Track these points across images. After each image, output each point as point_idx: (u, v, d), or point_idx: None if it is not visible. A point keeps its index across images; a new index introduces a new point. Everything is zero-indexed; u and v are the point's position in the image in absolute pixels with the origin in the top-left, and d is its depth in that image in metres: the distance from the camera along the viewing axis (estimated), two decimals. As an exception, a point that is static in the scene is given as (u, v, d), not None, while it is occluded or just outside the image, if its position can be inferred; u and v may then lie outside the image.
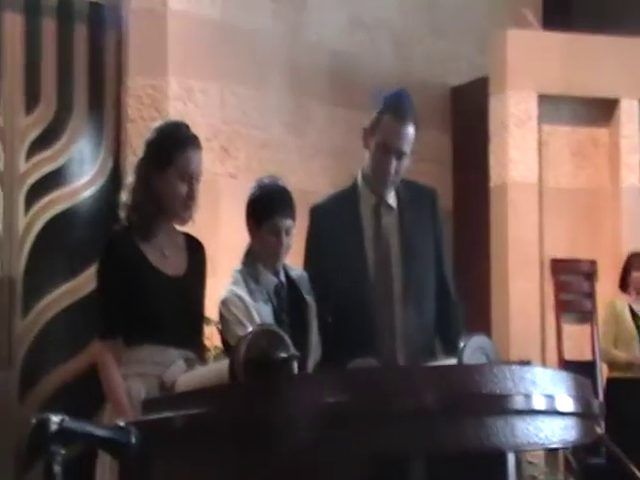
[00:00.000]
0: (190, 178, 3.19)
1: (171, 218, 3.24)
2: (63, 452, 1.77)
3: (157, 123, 3.34)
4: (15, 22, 5.60)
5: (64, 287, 5.45)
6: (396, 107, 3.49)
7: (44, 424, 1.73)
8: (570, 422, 2.65)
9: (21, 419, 5.20)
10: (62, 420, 1.74)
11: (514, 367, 2.59)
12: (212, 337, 4.94)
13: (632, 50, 7.04)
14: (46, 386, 5.35)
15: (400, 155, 3.46)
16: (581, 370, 4.53)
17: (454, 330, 3.43)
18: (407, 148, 3.47)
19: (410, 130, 3.47)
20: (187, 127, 3.28)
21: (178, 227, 3.35)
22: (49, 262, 5.44)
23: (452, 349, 2.96)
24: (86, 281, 5.28)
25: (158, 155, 3.17)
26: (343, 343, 3.29)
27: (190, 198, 3.19)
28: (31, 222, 5.48)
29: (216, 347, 5.09)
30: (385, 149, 3.46)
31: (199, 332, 3.39)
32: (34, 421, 1.75)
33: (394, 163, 3.46)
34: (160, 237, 3.22)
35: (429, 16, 7.53)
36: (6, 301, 5.34)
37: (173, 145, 3.18)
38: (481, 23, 7.75)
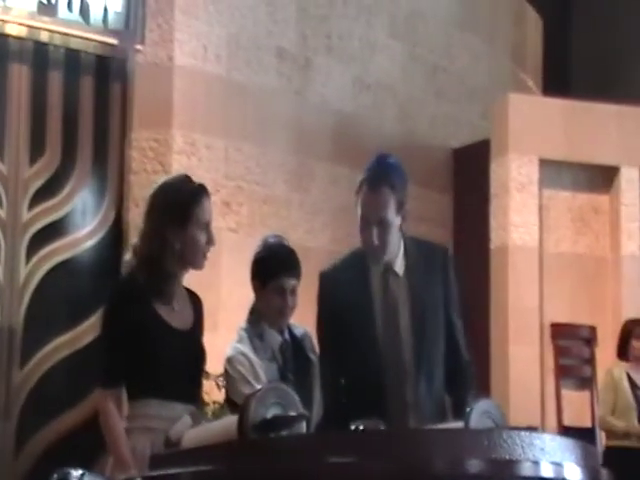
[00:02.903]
0: (207, 226, 3.21)
1: (187, 268, 3.24)
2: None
3: (161, 180, 3.32)
4: (21, 73, 5.65)
5: (63, 337, 5.42)
6: (369, 177, 3.42)
7: (65, 479, 1.72)
8: (578, 491, 2.62)
9: (16, 473, 5.13)
10: (82, 475, 1.73)
11: (523, 433, 2.57)
12: (211, 392, 4.91)
13: (633, 118, 7.11)
14: (43, 438, 5.30)
15: (380, 222, 3.41)
16: (580, 437, 4.47)
17: (464, 391, 3.41)
18: (386, 214, 3.40)
19: (385, 196, 3.38)
20: (190, 178, 3.29)
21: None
22: (49, 312, 5.41)
23: (461, 411, 2.94)
24: (85, 332, 5.25)
25: (175, 212, 3.16)
26: (351, 405, 3.26)
27: (210, 244, 3.21)
28: (32, 271, 5.47)
29: (215, 402, 5.06)
30: (364, 221, 3.42)
31: (200, 386, 3.37)
32: (55, 476, 1.74)
33: (376, 232, 3.40)
34: (171, 290, 3.21)
35: (432, 80, 7.61)
36: (5, 351, 5.30)
37: (190, 201, 3.18)
38: (483, 87, 7.84)
